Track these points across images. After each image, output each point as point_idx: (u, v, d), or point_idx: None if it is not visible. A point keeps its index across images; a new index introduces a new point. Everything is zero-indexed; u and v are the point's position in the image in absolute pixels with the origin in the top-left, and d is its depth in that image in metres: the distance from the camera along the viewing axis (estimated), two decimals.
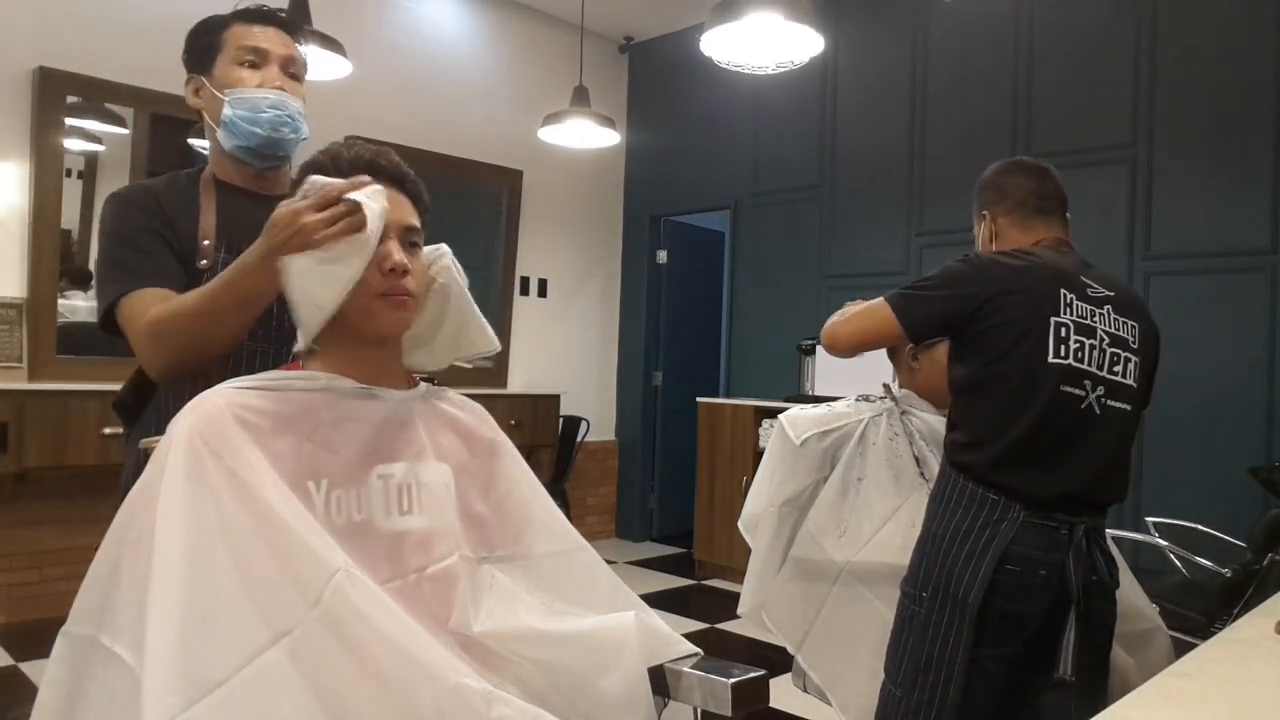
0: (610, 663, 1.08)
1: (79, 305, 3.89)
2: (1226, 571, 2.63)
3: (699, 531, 4.89)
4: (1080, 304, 1.59)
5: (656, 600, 4.04)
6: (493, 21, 5.10)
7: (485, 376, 4.99)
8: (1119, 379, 1.59)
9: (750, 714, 1.11)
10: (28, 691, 2.89)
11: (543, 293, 5.39)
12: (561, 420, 5.09)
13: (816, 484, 1.99)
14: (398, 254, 1.06)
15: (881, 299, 1.63)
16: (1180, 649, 1.70)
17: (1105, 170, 3.79)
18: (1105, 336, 1.59)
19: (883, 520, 1.87)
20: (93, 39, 3.69)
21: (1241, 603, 2.44)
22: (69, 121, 3.71)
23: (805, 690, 2.00)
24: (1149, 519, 2.99)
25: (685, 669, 1.12)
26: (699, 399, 4.98)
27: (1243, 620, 1.36)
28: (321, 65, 3.24)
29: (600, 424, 5.59)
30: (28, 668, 3.10)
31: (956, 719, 1.54)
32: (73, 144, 3.81)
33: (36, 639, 3.36)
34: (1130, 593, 1.91)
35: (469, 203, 5.12)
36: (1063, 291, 1.58)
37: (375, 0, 4.54)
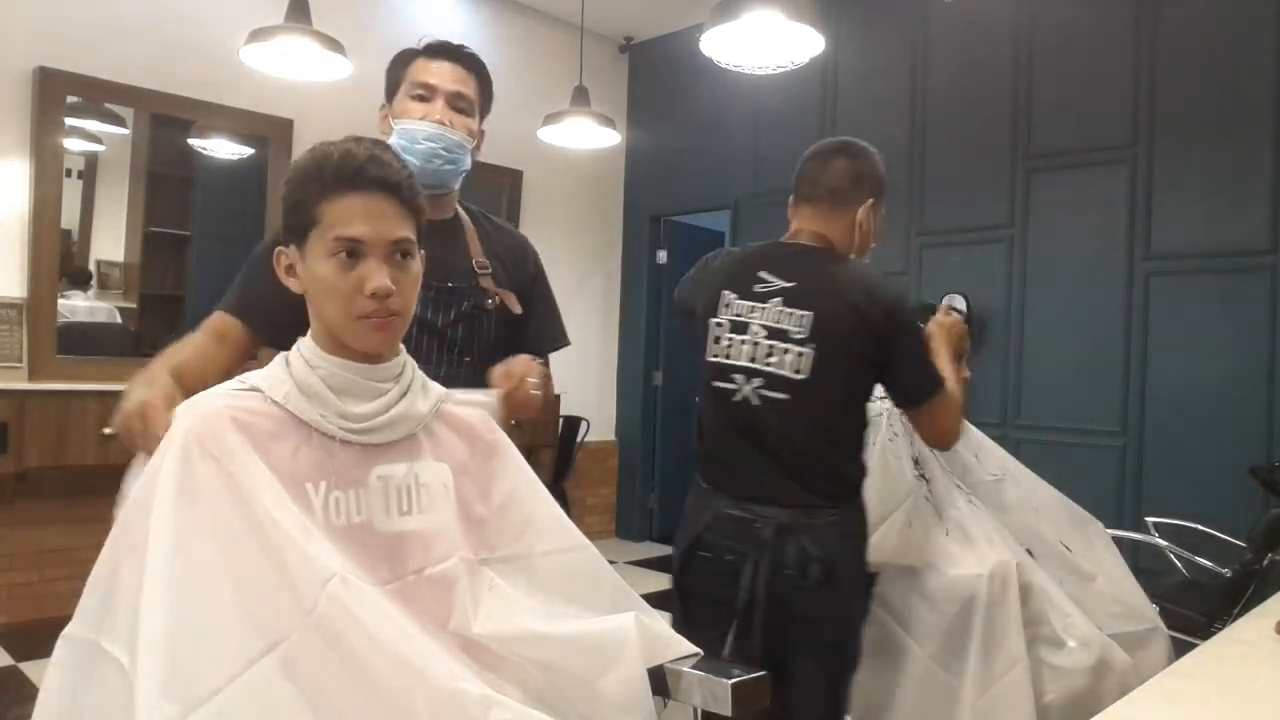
0: (610, 664, 1.07)
1: (79, 305, 3.89)
2: (1226, 571, 2.63)
3: None
4: (740, 302, 1.69)
5: (657, 600, 4.02)
6: (493, 21, 5.10)
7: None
8: (778, 371, 1.63)
9: (750, 714, 1.11)
10: (28, 691, 2.89)
11: None
12: (561, 420, 5.09)
13: None
14: (379, 277, 1.02)
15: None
16: (1180, 649, 1.71)
17: (1105, 170, 3.78)
18: (761, 330, 1.66)
19: (880, 520, 1.87)
20: (93, 39, 3.69)
21: (1241, 603, 2.44)
22: (69, 121, 3.70)
23: None
24: (1149, 519, 2.99)
25: (685, 669, 1.12)
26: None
27: (1243, 620, 1.37)
28: (321, 65, 3.24)
29: (600, 424, 5.59)
30: (28, 668, 3.10)
31: None
32: (73, 144, 3.81)
33: (36, 639, 3.35)
34: (1130, 593, 1.91)
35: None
36: (724, 293, 1.71)
37: (375, 0, 4.54)
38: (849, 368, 1.63)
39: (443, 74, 1.55)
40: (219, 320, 1.44)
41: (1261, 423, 3.40)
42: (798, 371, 1.62)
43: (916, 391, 1.66)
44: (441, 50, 1.57)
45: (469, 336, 1.55)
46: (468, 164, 1.57)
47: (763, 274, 1.68)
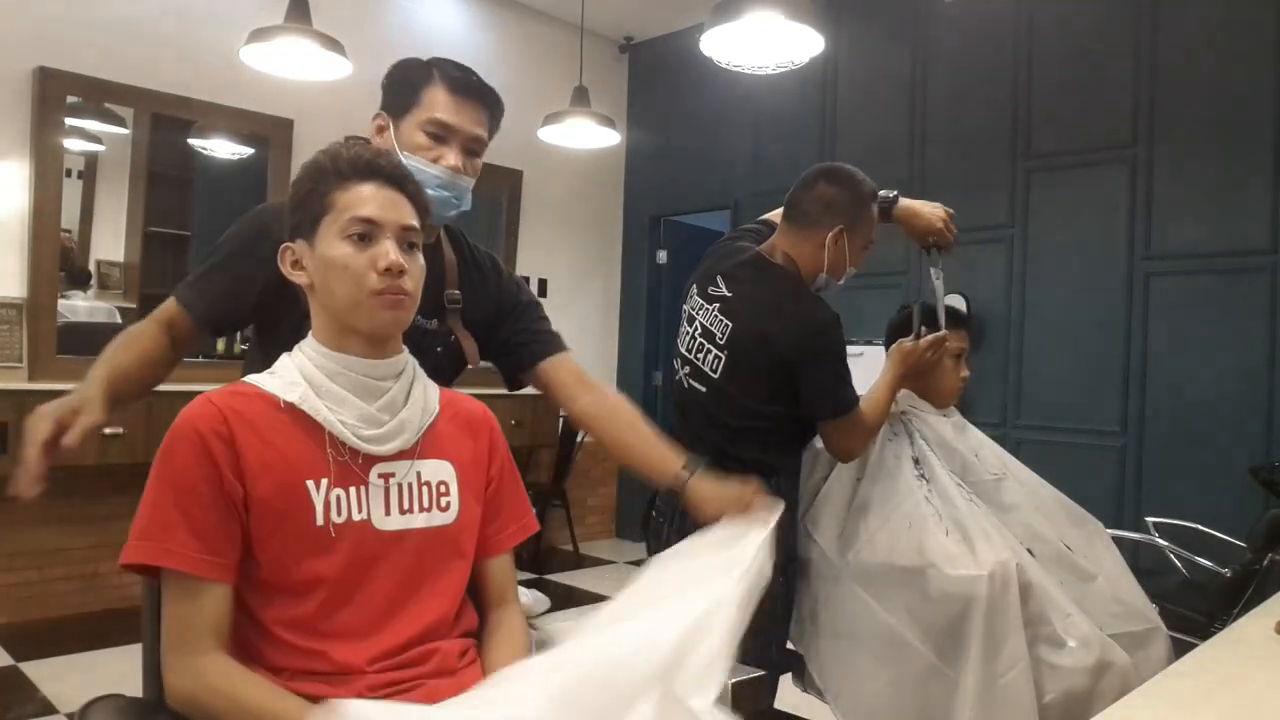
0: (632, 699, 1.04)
1: (79, 305, 3.89)
2: (1226, 571, 2.63)
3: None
4: (696, 298, 1.95)
5: None
6: (493, 21, 5.10)
7: (486, 376, 4.96)
8: (700, 365, 1.90)
9: (750, 714, 1.11)
10: (27, 692, 2.89)
11: (543, 293, 5.38)
12: (562, 420, 5.09)
13: (817, 484, 1.99)
14: (393, 253, 1.07)
15: None
16: (1180, 649, 1.70)
17: (1105, 170, 3.78)
18: (699, 327, 1.91)
19: (881, 521, 1.87)
20: (93, 39, 3.69)
21: (1241, 603, 2.44)
22: (69, 121, 3.71)
23: (805, 690, 2.00)
24: (1149, 519, 2.99)
25: None
26: None
27: (1243, 620, 1.37)
28: (321, 65, 3.24)
29: None
30: (28, 668, 3.10)
31: None
32: (73, 144, 3.81)
33: (36, 639, 3.36)
34: (1130, 593, 1.91)
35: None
36: (693, 286, 1.97)
37: (375, 0, 4.55)
38: (750, 378, 1.82)
39: (464, 116, 1.45)
40: (174, 313, 1.50)
41: (1261, 423, 3.40)
42: (714, 371, 1.86)
43: (819, 411, 1.83)
44: (465, 88, 1.45)
45: (436, 374, 1.52)
46: (468, 204, 1.50)
47: (718, 279, 1.90)
